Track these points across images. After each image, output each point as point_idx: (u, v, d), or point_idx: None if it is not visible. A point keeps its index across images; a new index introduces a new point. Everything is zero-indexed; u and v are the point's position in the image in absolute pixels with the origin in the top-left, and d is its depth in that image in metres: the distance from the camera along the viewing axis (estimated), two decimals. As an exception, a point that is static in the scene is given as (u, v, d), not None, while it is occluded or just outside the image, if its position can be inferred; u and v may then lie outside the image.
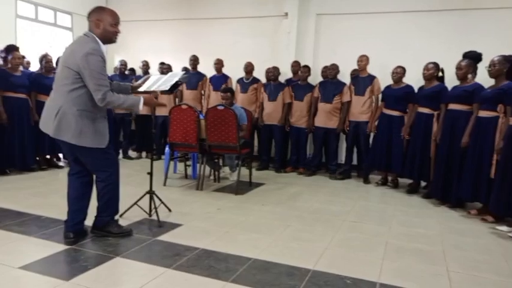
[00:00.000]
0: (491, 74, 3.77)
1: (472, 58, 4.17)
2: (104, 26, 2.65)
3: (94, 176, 2.82)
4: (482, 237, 3.34)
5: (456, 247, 3.06)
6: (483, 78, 4.04)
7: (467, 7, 5.46)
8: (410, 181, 4.98)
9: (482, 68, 4.09)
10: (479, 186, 3.78)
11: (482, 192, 3.75)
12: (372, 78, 5.27)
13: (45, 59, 5.16)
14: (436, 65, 4.54)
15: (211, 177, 5.05)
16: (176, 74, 3.16)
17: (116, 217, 2.98)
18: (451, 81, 4.42)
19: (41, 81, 5.01)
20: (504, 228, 3.49)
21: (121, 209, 3.29)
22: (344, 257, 2.77)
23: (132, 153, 6.61)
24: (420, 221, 3.73)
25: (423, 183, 4.92)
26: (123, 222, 3.13)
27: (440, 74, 4.59)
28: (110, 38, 2.70)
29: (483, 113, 3.80)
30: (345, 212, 3.88)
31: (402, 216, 3.85)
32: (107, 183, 2.79)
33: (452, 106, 4.16)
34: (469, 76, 4.13)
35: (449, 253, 2.92)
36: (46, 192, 4.10)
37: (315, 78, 5.96)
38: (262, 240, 2.98)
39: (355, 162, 5.63)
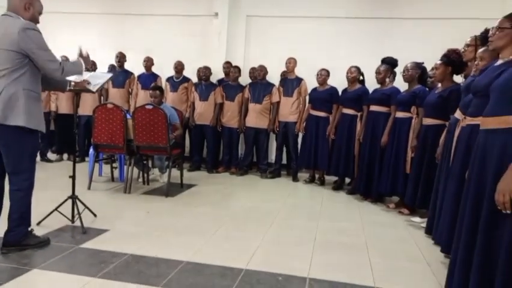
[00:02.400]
0: (405, 79, 4.12)
1: (389, 63, 4.52)
2: (34, 12, 2.49)
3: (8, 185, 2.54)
4: (399, 228, 3.64)
5: (377, 238, 3.29)
6: (401, 82, 4.39)
7: (383, 16, 5.89)
8: (336, 178, 5.25)
9: (398, 73, 4.46)
10: (396, 181, 4.10)
11: (399, 187, 4.08)
12: (299, 80, 5.47)
13: None
14: (358, 68, 4.85)
15: (140, 180, 4.86)
16: (100, 77, 3.04)
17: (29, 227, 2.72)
18: (371, 83, 4.75)
19: None
20: (417, 219, 3.83)
21: (40, 216, 3.04)
22: (276, 254, 2.84)
23: (51, 155, 6.12)
24: (345, 215, 3.96)
25: (348, 180, 5.22)
26: (41, 230, 2.89)
27: (361, 77, 4.91)
28: None
29: (399, 114, 4.13)
30: (275, 210, 3.97)
31: (329, 212, 4.04)
32: (26, 193, 2.54)
33: (373, 108, 4.47)
34: (387, 80, 4.48)
35: (371, 244, 3.13)
36: None
37: (246, 79, 6.02)
38: (194, 242, 2.94)
39: (284, 161, 5.80)
